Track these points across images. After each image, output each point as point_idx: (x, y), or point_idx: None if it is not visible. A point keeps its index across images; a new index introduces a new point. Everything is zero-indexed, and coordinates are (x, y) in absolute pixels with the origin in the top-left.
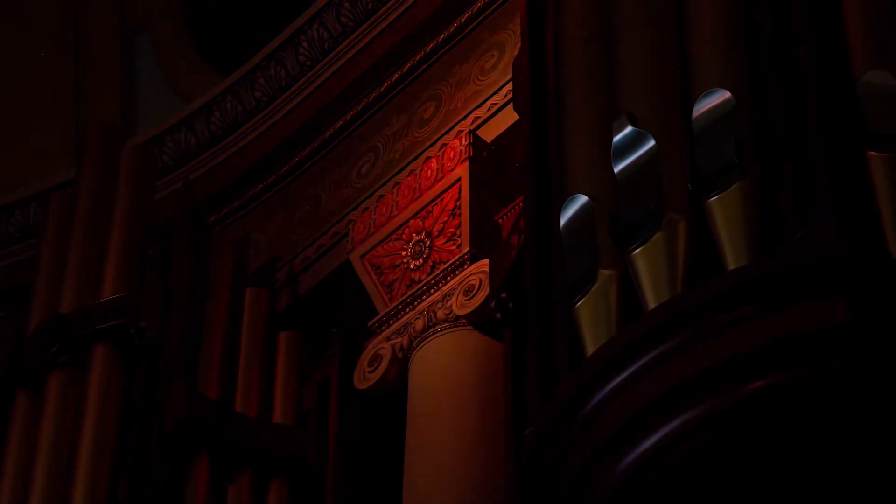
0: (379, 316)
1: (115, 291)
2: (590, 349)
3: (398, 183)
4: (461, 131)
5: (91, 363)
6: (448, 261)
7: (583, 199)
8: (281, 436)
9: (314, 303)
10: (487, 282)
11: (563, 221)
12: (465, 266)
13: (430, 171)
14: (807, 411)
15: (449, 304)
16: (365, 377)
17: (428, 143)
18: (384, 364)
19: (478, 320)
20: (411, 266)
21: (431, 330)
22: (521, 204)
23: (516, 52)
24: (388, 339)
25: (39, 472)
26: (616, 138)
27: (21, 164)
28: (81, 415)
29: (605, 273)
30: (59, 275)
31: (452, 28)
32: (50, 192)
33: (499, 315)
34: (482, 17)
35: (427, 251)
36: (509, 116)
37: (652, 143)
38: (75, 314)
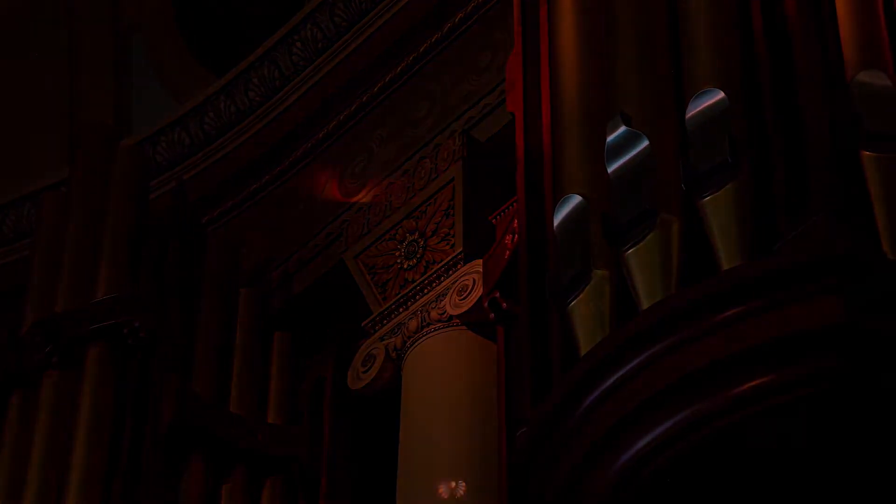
0: (372, 316)
1: (109, 291)
2: (584, 349)
3: (392, 183)
4: (455, 131)
5: (85, 363)
6: (441, 261)
7: (576, 199)
8: (275, 435)
9: (308, 303)
10: (481, 282)
11: (556, 221)
12: (459, 266)
13: (423, 171)
14: (801, 411)
15: (442, 304)
16: (359, 377)
17: (422, 143)
18: (378, 364)
19: (471, 320)
20: (405, 266)
21: (425, 330)
22: (514, 204)
23: (510, 52)
24: (381, 339)
25: (33, 470)
26: (610, 138)
27: (15, 164)
28: (76, 414)
29: (598, 273)
30: (53, 275)
31: (446, 28)
32: (44, 191)
33: (492, 315)
34: (476, 16)
35: (421, 251)
36: (503, 116)
37: (645, 143)
38: (69, 314)
